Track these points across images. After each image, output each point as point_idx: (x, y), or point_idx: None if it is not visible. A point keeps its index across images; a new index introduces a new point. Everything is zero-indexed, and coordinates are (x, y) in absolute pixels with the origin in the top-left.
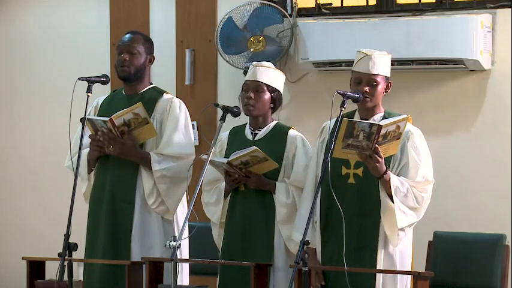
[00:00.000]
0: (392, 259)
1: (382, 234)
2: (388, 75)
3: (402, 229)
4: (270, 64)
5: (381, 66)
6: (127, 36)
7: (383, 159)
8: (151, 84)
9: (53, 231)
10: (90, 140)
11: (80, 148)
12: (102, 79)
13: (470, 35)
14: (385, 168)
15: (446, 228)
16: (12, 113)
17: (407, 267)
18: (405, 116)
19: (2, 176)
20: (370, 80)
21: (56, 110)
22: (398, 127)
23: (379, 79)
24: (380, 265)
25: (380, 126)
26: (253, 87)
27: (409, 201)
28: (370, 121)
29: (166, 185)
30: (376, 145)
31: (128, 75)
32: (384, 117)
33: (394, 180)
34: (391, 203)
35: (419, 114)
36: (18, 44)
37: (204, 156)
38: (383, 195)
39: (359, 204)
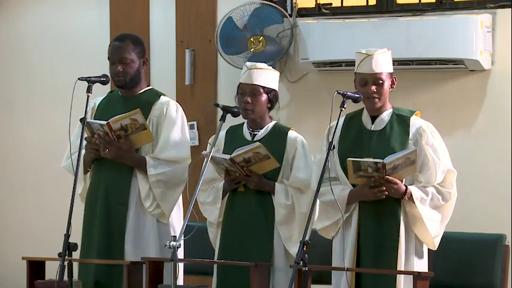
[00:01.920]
0: (410, 260)
1: (403, 233)
2: (391, 71)
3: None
4: (263, 65)
5: (384, 63)
6: (116, 44)
7: (399, 183)
8: (148, 85)
9: (53, 231)
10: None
11: (79, 148)
12: (102, 79)
13: (470, 35)
14: (403, 187)
15: (447, 228)
16: (12, 113)
17: (425, 268)
18: (413, 149)
19: (2, 176)
20: (375, 79)
21: (56, 110)
22: (408, 158)
23: (384, 77)
24: (401, 267)
25: (384, 164)
26: (250, 91)
27: (436, 203)
28: (374, 160)
29: (161, 190)
30: (387, 177)
31: (124, 84)
32: (393, 113)
33: (417, 193)
34: (419, 214)
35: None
36: (18, 44)
37: (205, 153)
38: (410, 210)
39: (376, 203)
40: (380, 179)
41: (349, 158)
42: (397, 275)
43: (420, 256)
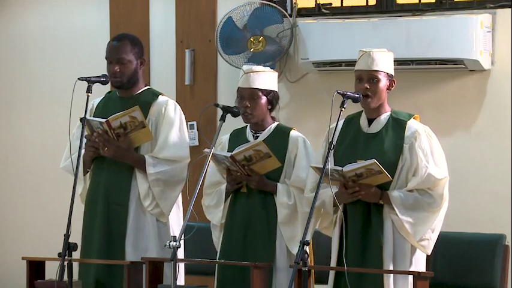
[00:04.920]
0: (405, 258)
1: (389, 233)
2: (390, 72)
3: (423, 238)
4: (259, 67)
5: (381, 62)
6: (114, 44)
7: (370, 187)
8: (146, 85)
9: (53, 231)
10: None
11: (79, 148)
12: (102, 79)
13: (470, 35)
14: (378, 192)
15: (446, 228)
16: (12, 113)
17: (422, 266)
18: (372, 161)
19: (2, 176)
20: (370, 76)
21: (55, 110)
22: (370, 170)
23: (380, 76)
24: (389, 264)
25: (342, 171)
26: (248, 95)
27: (422, 207)
28: (335, 167)
29: (160, 188)
30: (351, 183)
31: (121, 85)
32: (390, 117)
33: (396, 197)
34: (399, 218)
35: (419, 114)
36: (18, 44)
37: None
38: (393, 216)
39: (363, 204)
40: (346, 182)
41: (311, 165)
42: (385, 275)
43: (417, 256)
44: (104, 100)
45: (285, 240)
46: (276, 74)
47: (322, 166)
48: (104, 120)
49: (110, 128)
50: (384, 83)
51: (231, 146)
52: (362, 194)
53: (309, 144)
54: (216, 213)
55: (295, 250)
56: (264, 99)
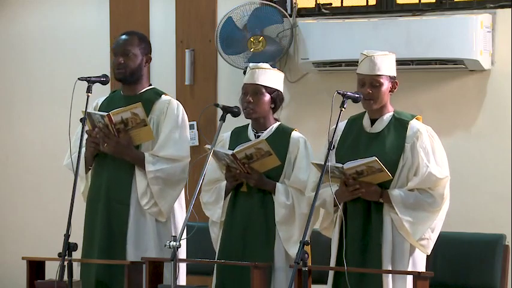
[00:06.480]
0: (404, 257)
1: (389, 232)
2: (393, 74)
3: (422, 237)
4: (267, 65)
5: (383, 66)
6: (122, 37)
7: (371, 186)
8: (150, 85)
9: (53, 231)
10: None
11: (79, 148)
12: (102, 79)
13: (470, 35)
14: (378, 190)
15: (446, 228)
16: (12, 113)
17: (421, 266)
18: (373, 159)
19: (2, 176)
20: (372, 81)
21: (55, 110)
22: (371, 167)
23: (382, 80)
24: (388, 263)
25: (343, 168)
26: (252, 90)
27: (422, 206)
28: (335, 164)
29: (159, 187)
30: (351, 180)
31: (124, 77)
32: (393, 117)
33: (396, 196)
34: (399, 217)
35: (420, 114)
36: (18, 44)
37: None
38: (393, 214)
39: (363, 203)
40: (347, 180)
41: (312, 161)
42: (384, 274)
43: (417, 256)
44: (108, 98)
45: (281, 241)
46: (282, 75)
47: (322, 163)
48: (105, 113)
49: (111, 122)
50: (386, 86)
51: (232, 144)
52: (362, 192)
53: (309, 146)
54: (215, 210)
55: (291, 251)
56: (267, 96)
